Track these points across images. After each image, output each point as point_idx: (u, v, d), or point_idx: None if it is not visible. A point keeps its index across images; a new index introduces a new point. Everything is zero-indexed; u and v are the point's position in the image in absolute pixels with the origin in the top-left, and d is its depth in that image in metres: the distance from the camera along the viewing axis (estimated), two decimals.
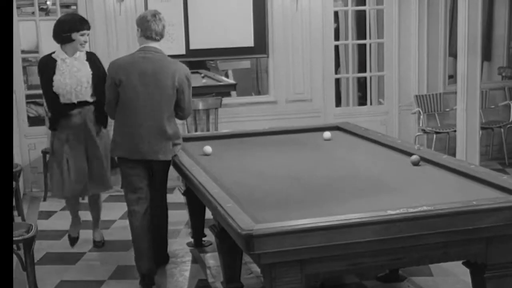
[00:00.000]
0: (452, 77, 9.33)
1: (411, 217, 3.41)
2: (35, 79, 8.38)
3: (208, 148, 5.27)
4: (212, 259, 5.57)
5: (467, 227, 3.49)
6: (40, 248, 5.99)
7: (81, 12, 7.67)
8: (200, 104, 7.94)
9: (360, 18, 9.27)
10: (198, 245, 5.87)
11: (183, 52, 7.84)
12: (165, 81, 4.99)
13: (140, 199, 5.08)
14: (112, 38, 7.75)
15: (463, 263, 3.86)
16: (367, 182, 4.30)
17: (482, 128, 7.83)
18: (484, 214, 3.50)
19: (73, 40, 5.49)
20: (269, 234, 3.25)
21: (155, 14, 5.14)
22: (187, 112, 5.19)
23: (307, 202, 3.92)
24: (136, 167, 5.05)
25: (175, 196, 6.67)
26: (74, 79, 5.46)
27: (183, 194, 5.71)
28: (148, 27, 5.06)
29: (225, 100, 8.10)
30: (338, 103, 8.75)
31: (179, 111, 5.12)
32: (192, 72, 10.34)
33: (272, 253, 3.26)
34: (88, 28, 5.59)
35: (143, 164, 5.05)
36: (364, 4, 8.76)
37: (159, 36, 5.16)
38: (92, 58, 5.64)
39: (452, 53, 8.91)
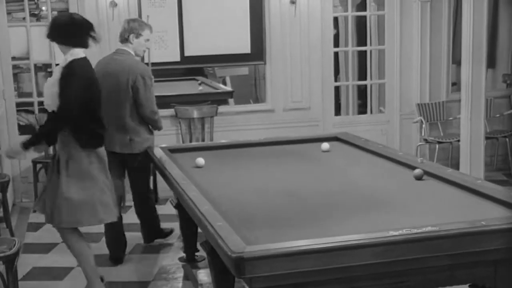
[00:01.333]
0: (455, 85, 9.14)
1: (415, 239, 3.17)
2: (27, 86, 8.18)
3: (200, 160, 5.04)
4: (204, 275, 5.33)
5: (474, 249, 3.25)
6: (26, 263, 5.79)
7: None
8: (195, 112, 7.76)
9: (361, 24, 9.09)
10: (190, 260, 5.64)
11: (178, 59, 7.65)
12: (122, 80, 5.56)
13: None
14: (105, 43, 7.49)
15: (470, 287, 3.65)
16: (367, 198, 4.06)
17: (487, 138, 7.61)
18: (493, 235, 3.26)
19: None
20: (261, 257, 3.01)
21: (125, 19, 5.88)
22: (146, 109, 5.63)
23: (303, 220, 3.68)
24: (110, 157, 5.12)
25: (167, 208, 6.46)
26: None
27: (175, 207, 5.47)
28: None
29: (221, 108, 7.91)
30: (337, 111, 8.54)
31: (138, 107, 5.60)
32: (189, 79, 10.35)
33: (264, 277, 3.02)
34: None
35: (113, 155, 5.48)
36: (365, 10, 8.59)
37: (120, 38, 5.81)
38: None
39: (455, 60, 8.71)
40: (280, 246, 3.08)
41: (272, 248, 3.05)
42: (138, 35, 5.73)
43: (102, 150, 4.86)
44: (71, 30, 4.71)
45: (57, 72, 4.68)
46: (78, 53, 4.68)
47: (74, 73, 4.59)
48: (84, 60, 4.73)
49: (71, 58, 4.64)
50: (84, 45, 4.73)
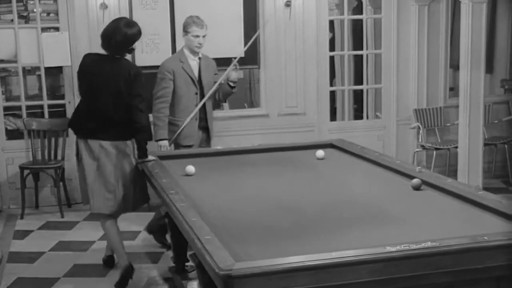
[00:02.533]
0: (453, 90, 9.01)
1: (413, 255, 3.00)
2: (15, 90, 8.02)
3: (190, 168, 4.87)
4: (194, 287, 5.15)
5: (476, 265, 3.08)
6: (11, 273, 5.65)
7: (62, 20, 7.34)
8: None
9: (357, 27, 8.95)
10: (180, 270, 5.44)
11: None
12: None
13: None
14: (95, 46, 7.31)
15: None
16: (364, 210, 3.89)
17: (485, 144, 7.48)
18: (496, 251, 3.10)
19: None
20: (250, 274, 2.84)
21: None
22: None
23: (296, 234, 3.51)
24: None
25: None
26: None
27: (164, 216, 5.29)
28: None
29: (214, 113, 7.71)
30: (333, 117, 8.38)
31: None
32: None
33: None
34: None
35: None
36: (361, 13, 8.44)
37: None
38: None
39: (452, 64, 8.58)
40: (271, 263, 2.90)
41: (263, 265, 2.88)
42: (186, 32, 6.15)
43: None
44: (123, 46, 5.25)
45: None
46: None
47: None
48: None
49: None
50: (126, 55, 5.35)
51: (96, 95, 5.15)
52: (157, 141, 6.07)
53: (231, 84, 6.25)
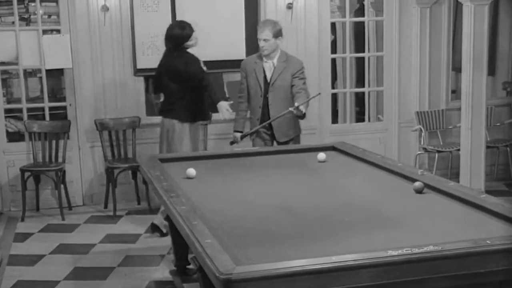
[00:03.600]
0: (455, 92, 8.99)
1: (416, 259, 2.97)
2: (16, 92, 8.01)
3: (191, 171, 4.84)
4: None
5: (479, 270, 3.05)
6: (11, 276, 5.62)
7: (63, 22, 7.33)
8: None
9: (359, 30, 8.92)
10: (181, 273, 5.44)
11: None
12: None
13: None
14: (96, 49, 7.39)
15: None
16: (365, 213, 3.86)
17: (487, 147, 7.45)
18: (499, 255, 3.06)
19: None
20: (251, 278, 2.81)
21: None
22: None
23: (297, 237, 3.48)
24: None
25: (160, 217, 6.29)
26: None
27: (165, 219, 5.28)
28: None
29: (215, 115, 7.68)
30: (334, 119, 8.35)
31: None
32: None
33: None
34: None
35: None
36: (363, 15, 8.43)
37: None
38: None
39: (454, 67, 8.55)
40: (272, 267, 2.87)
41: (263, 269, 2.85)
42: None
43: None
44: (180, 40, 6.37)
45: None
46: None
47: None
48: None
49: None
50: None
51: None
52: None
53: (300, 114, 5.99)
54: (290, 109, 5.86)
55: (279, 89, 6.20)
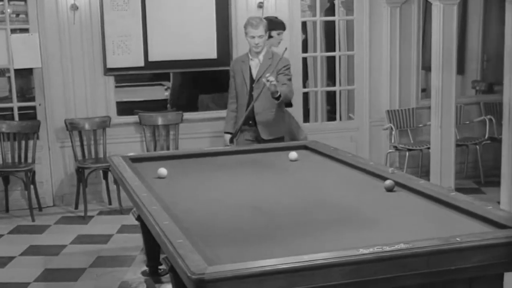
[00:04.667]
0: (425, 91, 9.06)
1: (386, 257, 2.98)
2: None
3: (162, 171, 4.82)
4: None
5: (449, 267, 3.07)
6: None
7: (32, 21, 7.26)
8: (159, 119, 7.57)
9: (329, 29, 8.94)
10: (153, 274, 5.40)
11: (142, 64, 7.43)
12: None
13: None
14: (66, 48, 7.33)
15: None
16: (337, 212, 3.87)
17: (457, 145, 7.50)
18: (468, 252, 3.08)
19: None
20: (223, 278, 2.80)
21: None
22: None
23: (269, 237, 3.48)
24: None
25: (131, 219, 6.22)
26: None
27: (137, 219, 5.24)
28: None
29: (186, 115, 7.69)
30: (306, 118, 8.37)
31: None
32: (154, 85, 10.15)
33: None
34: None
35: None
36: (334, 15, 8.44)
37: None
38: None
39: (424, 66, 8.62)
40: (244, 266, 2.87)
41: (235, 269, 2.84)
42: (245, 33, 6.26)
43: None
44: None
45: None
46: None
47: None
48: None
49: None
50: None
51: None
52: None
53: (272, 88, 5.93)
54: (263, 79, 5.85)
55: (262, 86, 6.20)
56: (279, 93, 5.96)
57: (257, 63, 6.27)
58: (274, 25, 6.73)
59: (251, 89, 6.28)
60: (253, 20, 6.18)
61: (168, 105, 9.20)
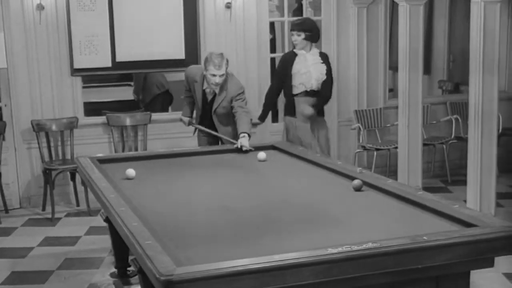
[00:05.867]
0: (392, 91, 9.12)
1: (355, 256, 3.00)
2: None
3: (130, 172, 4.80)
4: None
5: (416, 265, 3.10)
6: None
7: None
8: (127, 119, 7.53)
9: None
10: (122, 275, 5.37)
11: (109, 64, 7.37)
12: None
13: None
14: (32, 48, 7.24)
15: None
16: (306, 212, 3.89)
17: (424, 145, 7.56)
18: (435, 251, 3.12)
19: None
20: (192, 279, 2.80)
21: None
22: None
23: (238, 237, 3.48)
24: None
25: (99, 220, 6.18)
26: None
27: (105, 220, 5.20)
28: None
29: (155, 115, 7.66)
30: (274, 118, 8.38)
31: None
32: (122, 85, 10.08)
33: None
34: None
35: None
36: (301, 15, 8.46)
37: None
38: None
39: (391, 66, 8.68)
40: (213, 267, 2.87)
41: (204, 270, 2.84)
42: (205, 67, 6.02)
43: None
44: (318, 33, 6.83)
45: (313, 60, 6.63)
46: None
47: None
48: None
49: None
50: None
51: None
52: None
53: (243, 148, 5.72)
54: (236, 145, 5.69)
55: (220, 112, 6.19)
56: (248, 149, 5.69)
57: (211, 92, 6.14)
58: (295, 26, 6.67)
59: (207, 111, 6.24)
60: (215, 59, 5.90)
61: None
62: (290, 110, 6.73)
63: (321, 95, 6.69)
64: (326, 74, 6.68)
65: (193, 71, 6.35)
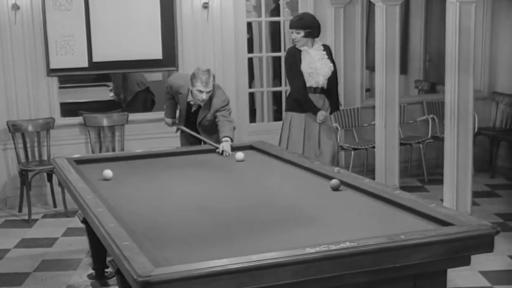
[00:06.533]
0: (369, 91, 9.16)
1: (333, 256, 3.01)
2: None
3: (108, 172, 4.78)
4: None
5: (394, 264, 3.13)
6: None
7: None
8: (104, 120, 7.48)
9: (274, 29, 8.98)
10: (100, 277, 5.35)
11: (86, 65, 7.32)
12: None
13: None
14: (7, 48, 7.18)
15: None
16: (284, 212, 3.90)
17: (401, 144, 7.62)
18: (412, 249, 3.14)
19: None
20: (170, 280, 2.80)
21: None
22: None
23: (217, 237, 3.48)
24: None
25: (76, 221, 6.15)
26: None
27: (82, 221, 5.18)
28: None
29: (132, 116, 7.63)
30: (252, 118, 8.39)
31: None
32: (100, 85, 10.04)
33: None
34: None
35: None
36: (279, 15, 8.48)
37: None
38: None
39: (368, 66, 8.72)
40: (191, 268, 2.86)
41: (182, 270, 2.84)
42: (192, 83, 5.93)
43: None
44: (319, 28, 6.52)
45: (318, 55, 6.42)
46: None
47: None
48: None
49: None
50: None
51: None
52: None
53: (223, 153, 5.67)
54: (218, 150, 5.65)
55: (205, 124, 6.16)
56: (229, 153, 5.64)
57: (196, 104, 6.11)
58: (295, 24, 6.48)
59: (191, 118, 6.23)
60: (203, 76, 5.83)
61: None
62: (293, 105, 6.50)
63: (330, 94, 6.49)
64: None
65: (178, 82, 6.25)
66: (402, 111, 7.97)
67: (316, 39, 6.48)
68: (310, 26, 6.42)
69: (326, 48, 6.56)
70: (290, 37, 7.73)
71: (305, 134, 6.48)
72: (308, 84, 6.39)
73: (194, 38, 7.62)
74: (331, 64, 6.45)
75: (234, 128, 6.06)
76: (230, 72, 7.81)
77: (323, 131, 6.48)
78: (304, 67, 6.37)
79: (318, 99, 6.42)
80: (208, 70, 5.94)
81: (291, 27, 6.50)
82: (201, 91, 5.87)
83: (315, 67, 6.36)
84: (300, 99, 6.41)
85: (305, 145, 6.47)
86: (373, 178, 6.85)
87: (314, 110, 6.39)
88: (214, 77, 5.98)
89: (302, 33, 6.38)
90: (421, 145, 8.34)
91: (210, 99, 6.00)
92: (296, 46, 6.47)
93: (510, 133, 8.26)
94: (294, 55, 6.44)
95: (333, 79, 6.50)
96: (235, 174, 4.98)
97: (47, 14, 7.15)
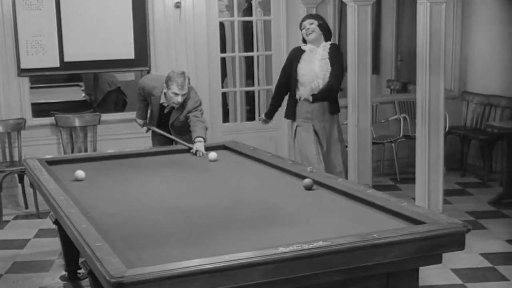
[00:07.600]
0: (341, 91, 9.18)
1: (306, 255, 3.02)
2: None
3: (80, 173, 4.75)
4: None
5: (367, 263, 3.14)
6: None
7: None
8: (76, 120, 7.44)
9: (247, 29, 8.98)
10: (72, 278, 5.32)
11: (57, 64, 7.26)
12: None
13: None
14: None
15: None
16: (257, 211, 3.90)
17: (373, 143, 7.67)
18: (385, 248, 3.16)
19: None
20: (143, 281, 2.78)
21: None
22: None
23: (190, 238, 3.48)
24: None
25: (48, 222, 6.10)
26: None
27: (54, 223, 5.14)
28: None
29: (104, 116, 7.58)
30: (225, 118, 8.38)
31: None
32: (72, 85, 9.97)
33: None
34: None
35: None
36: (251, 15, 8.48)
37: None
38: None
39: None
40: (164, 268, 2.85)
41: (155, 271, 2.83)
42: (167, 85, 5.95)
43: None
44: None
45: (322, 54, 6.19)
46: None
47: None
48: None
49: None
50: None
51: None
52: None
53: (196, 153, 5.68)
54: (192, 150, 5.66)
55: (177, 125, 6.18)
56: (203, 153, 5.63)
57: (169, 106, 6.13)
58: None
59: (161, 118, 6.26)
60: (178, 79, 5.85)
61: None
62: (289, 111, 6.45)
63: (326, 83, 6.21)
64: (332, 66, 6.15)
65: (150, 84, 6.25)
66: (374, 111, 8.02)
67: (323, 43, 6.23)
68: (324, 20, 6.30)
69: (332, 48, 6.26)
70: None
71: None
72: (311, 93, 6.19)
73: (166, 38, 7.60)
74: (329, 67, 6.16)
75: (207, 128, 6.08)
76: (203, 72, 7.80)
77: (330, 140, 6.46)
78: (302, 69, 6.20)
79: (319, 108, 6.29)
80: (183, 73, 5.95)
81: (306, 18, 6.31)
82: (176, 94, 5.88)
83: (313, 69, 6.15)
84: (272, 95, 6.66)
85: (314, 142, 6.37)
86: (346, 178, 6.87)
87: (268, 113, 6.65)
88: (189, 79, 5.98)
89: (315, 23, 6.18)
90: (393, 144, 8.40)
91: (184, 100, 6.00)
92: (307, 39, 6.21)
93: (480, 132, 8.35)
94: (295, 54, 6.30)
95: (331, 73, 6.18)
96: (209, 174, 4.97)
97: (18, 13, 7.08)
